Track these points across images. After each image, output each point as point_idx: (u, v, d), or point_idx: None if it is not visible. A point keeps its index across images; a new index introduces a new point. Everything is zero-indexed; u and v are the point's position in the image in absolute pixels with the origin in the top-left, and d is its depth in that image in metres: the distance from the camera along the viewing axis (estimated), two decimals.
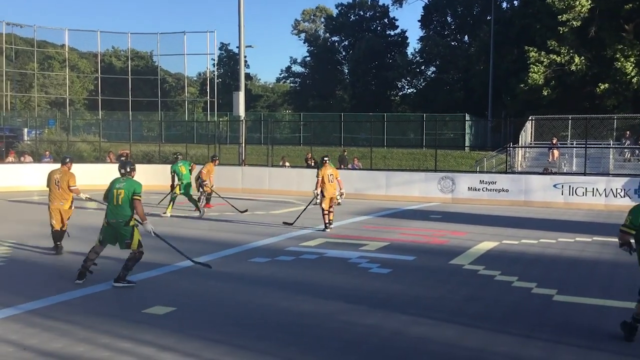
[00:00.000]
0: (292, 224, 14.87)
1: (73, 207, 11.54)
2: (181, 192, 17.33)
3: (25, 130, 35.32)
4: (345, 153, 27.57)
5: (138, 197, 8.56)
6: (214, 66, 48.73)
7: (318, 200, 14.52)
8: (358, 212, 17.83)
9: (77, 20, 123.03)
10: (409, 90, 63.81)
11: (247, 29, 32.70)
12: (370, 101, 55.73)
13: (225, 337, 6.38)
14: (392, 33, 64.06)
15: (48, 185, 11.35)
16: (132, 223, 8.61)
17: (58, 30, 43.93)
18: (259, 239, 12.79)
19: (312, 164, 22.66)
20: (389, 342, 6.36)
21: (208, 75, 47.66)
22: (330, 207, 14.22)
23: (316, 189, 14.29)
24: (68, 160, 11.75)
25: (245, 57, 29.28)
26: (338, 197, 15.16)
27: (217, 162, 19.35)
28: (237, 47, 33.82)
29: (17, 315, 7.06)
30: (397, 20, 64.26)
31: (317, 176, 14.31)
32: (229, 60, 65.96)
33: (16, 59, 48.87)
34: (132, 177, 8.91)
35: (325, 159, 14.58)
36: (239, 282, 9.01)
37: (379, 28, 64.49)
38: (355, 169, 24.86)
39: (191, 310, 7.45)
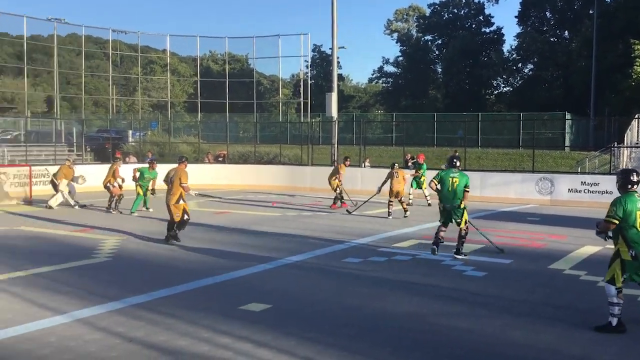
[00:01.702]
0: (351, 212, 17.28)
1: (182, 202, 12.25)
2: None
3: (130, 132, 37.20)
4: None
5: (468, 190, 10.75)
6: (307, 68, 49.35)
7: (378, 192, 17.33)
8: None
9: (177, 26, 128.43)
10: (504, 89, 62.01)
11: (340, 30, 33.19)
12: (464, 100, 54.59)
13: (320, 336, 6.46)
14: (487, 30, 62.45)
15: (165, 181, 12.43)
16: (462, 206, 10.67)
17: (160, 36, 45.96)
18: (352, 239, 12.84)
19: (411, 165, 22.54)
20: (484, 346, 6.22)
21: (301, 77, 48.35)
22: (397, 199, 16.68)
23: (380, 185, 17.15)
24: (184, 159, 12.78)
25: (337, 58, 29.46)
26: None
27: (349, 163, 19.69)
28: (330, 48, 34.11)
29: (123, 309, 7.46)
30: (492, 17, 62.43)
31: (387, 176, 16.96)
32: (321, 62, 66.62)
33: (121, 64, 51.61)
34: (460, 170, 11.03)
35: (396, 164, 17.17)
36: (332, 281, 9.10)
37: (473, 25, 63.05)
38: None
39: (286, 308, 7.61)
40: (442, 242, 10.85)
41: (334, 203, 18.79)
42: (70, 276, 9.27)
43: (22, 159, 25.88)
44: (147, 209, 17.50)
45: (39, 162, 25.99)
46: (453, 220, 10.78)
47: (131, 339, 6.32)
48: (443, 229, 10.86)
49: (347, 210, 17.64)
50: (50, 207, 17.89)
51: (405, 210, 16.70)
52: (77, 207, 18.28)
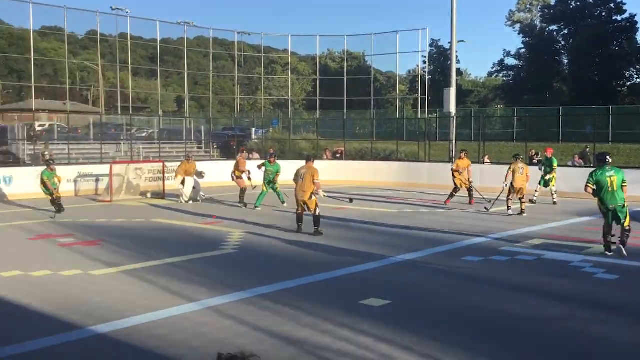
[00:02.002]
0: (488, 209, 16.86)
1: (314, 198, 12.91)
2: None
3: (253, 129, 38.55)
4: (588, 149, 26.69)
5: (626, 184, 10.39)
6: (425, 63, 48.63)
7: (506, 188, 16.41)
8: (578, 213, 16.63)
9: (296, 26, 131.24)
10: (638, 80, 57.76)
11: (459, 24, 32.31)
12: (592, 93, 51.44)
13: (440, 334, 6.39)
14: (618, 18, 58.42)
15: (295, 179, 13.07)
16: (627, 205, 10.29)
17: (282, 36, 47.19)
18: (471, 237, 12.55)
19: (537, 161, 21.69)
20: (618, 356, 5.86)
21: (418, 72, 47.79)
22: (519, 196, 16.16)
23: (505, 181, 16.30)
24: (312, 158, 13.66)
25: (456, 52, 28.83)
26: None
27: (463, 155, 18.95)
28: (448, 42, 33.42)
29: (250, 299, 7.77)
30: (624, 4, 58.26)
31: (508, 170, 16.34)
32: (439, 57, 65.42)
33: (245, 65, 53.58)
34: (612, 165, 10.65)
35: (521, 156, 16.81)
36: (452, 279, 8.95)
37: (603, 14, 59.21)
38: (576, 166, 23.18)
39: (405, 304, 7.59)
40: (614, 243, 10.52)
41: (449, 198, 18.46)
42: (200, 266, 9.79)
43: (156, 155, 27.59)
44: (282, 202, 17.70)
45: (170, 158, 27.59)
46: (617, 221, 10.37)
47: (258, 328, 6.57)
48: (610, 230, 10.54)
49: (485, 208, 17.24)
50: (187, 202, 18.88)
51: (523, 211, 16.03)
52: (200, 200, 19.20)
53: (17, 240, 12.28)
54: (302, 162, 13.61)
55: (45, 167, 16.76)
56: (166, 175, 21.69)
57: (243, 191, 18.22)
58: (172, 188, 21.44)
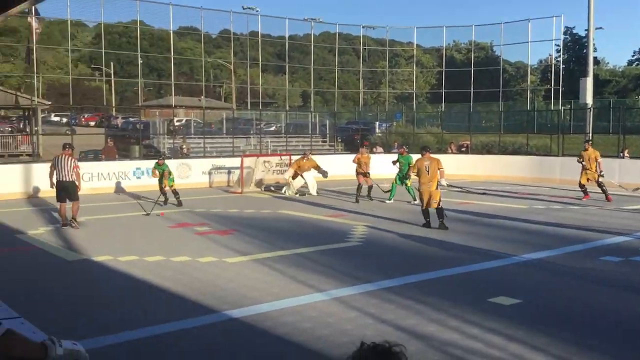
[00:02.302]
0: None
1: (439, 188, 13.00)
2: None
3: (377, 123, 38.58)
4: None
5: None
6: (558, 52, 46.12)
7: None
8: None
9: (419, 18, 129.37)
10: None
11: (596, 10, 30.04)
12: None
13: (574, 336, 6.08)
14: None
15: (418, 173, 13.03)
16: None
17: (406, 29, 46.74)
18: (610, 236, 11.79)
19: None
20: None
21: (551, 62, 45.42)
22: None
23: None
24: (429, 149, 13.61)
25: (593, 40, 27.09)
26: None
27: (587, 145, 17.97)
28: (585, 30, 31.48)
29: (374, 291, 7.81)
30: None
31: None
32: (573, 45, 61.84)
33: (368, 59, 53.68)
34: None
35: None
36: (587, 280, 8.47)
37: None
38: None
39: (537, 304, 7.29)
40: None
41: (587, 194, 17.43)
42: (326, 257, 9.98)
43: (283, 148, 28.42)
44: (413, 199, 17.23)
45: (297, 151, 28.29)
46: None
47: (383, 320, 6.60)
48: None
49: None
50: (294, 194, 19.27)
51: None
52: (306, 195, 19.38)
53: (159, 227, 13.17)
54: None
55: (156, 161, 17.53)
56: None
57: (359, 187, 18.19)
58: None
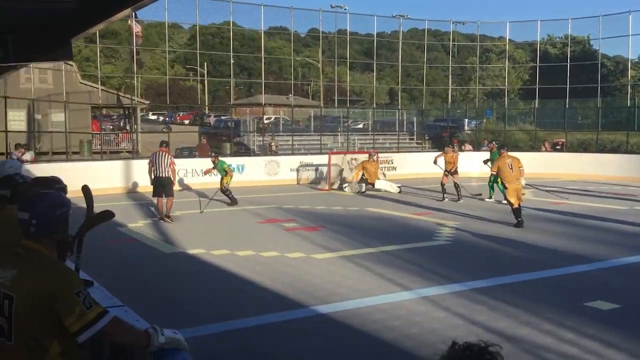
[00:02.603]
0: None
1: (523, 185, 12.92)
2: None
3: (466, 120, 37.75)
4: None
5: None
6: None
7: None
8: None
9: (511, 12, 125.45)
10: None
11: None
12: None
13: None
14: None
15: (498, 171, 13.03)
16: None
17: (498, 23, 45.39)
18: None
19: None
20: None
21: None
22: None
23: None
24: (506, 147, 13.59)
25: None
26: None
27: None
28: None
29: (464, 292, 7.67)
30: None
31: None
32: None
33: (457, 54, 52.60)
34: None
35: None
36: None
37: None
38: None
39: (637, 309, 6.91)
40: None
41: None
42: (413, 256, 9.89)
43: (370, 146, 28.37)
44: (489, 196, 17.07)
45: (383, 149, 28.19)
46: None
47: (473, 322, 6.47)
48: None
49: None
50: (358, 192, 19.17)
51: None
52: (359, 193, 19.09)
53: (249, 223, 13.50)
54: (514, 153, 13.37)
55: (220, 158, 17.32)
56: (379, 165, 22.19)
57: (443, 186, 17.79)
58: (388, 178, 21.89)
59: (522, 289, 7.85)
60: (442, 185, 17.58)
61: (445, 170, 17.72)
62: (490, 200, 17.07)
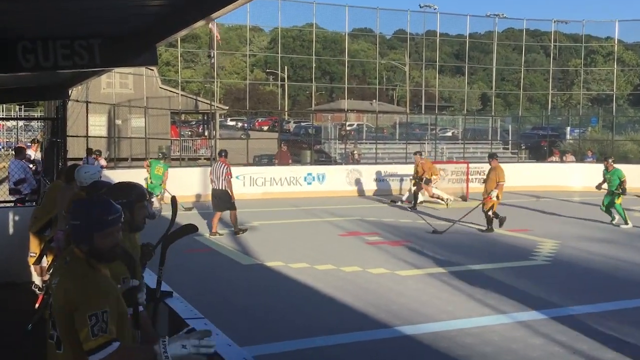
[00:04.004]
0: None
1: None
2: None
3: (567, 129, 36.48)
4: None
5: None
6: None
7: None
8: None
9: (620, 10, 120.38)
10: None
11: None
12: None
13: None
14: None
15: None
16: None
17: (606, 23, 43.73)
18: None
19: None
20: None
21: None
22: None
23: None
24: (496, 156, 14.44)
25: None
26: None
27: None
28: None
29: (564, 317, 7.41)
30: None
31: None
32: None
33: (559, 57, 50.96)
34: None
35: None
36: None
37: None
38: None
39: None
40: None
41: None
42: (506, 276, 9.64)
43: (460, 156, 27.94)
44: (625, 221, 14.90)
45: (475, 159, 27.66)
46: None
47: (574, 351, 6.24)
48: None
49: None
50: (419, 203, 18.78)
51: None
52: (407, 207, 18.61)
53: (329, 235, 13.58)
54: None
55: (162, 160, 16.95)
56: (470, 177, 21.80)
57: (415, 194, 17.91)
58: (478, 190, 21.46)
59: (632, 315, 7.49)
60: (415, 194, 18.28)
61: (418, 178, 18.39)
62: (621, 224, 14.86)
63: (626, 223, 14.66)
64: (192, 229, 3.96)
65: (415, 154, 19.66)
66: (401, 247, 12.12)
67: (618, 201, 14.85)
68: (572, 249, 11.98)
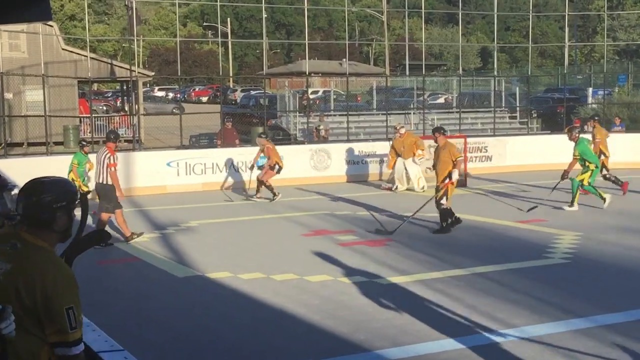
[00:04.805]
0: None
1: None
2: None
3: (590, 90, 37.00)
4: None
5: None
6: None
7: None
8: None
9: None
10: None
11: None
12: None
13: None
14: None
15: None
16: None
17: None
18: None
19: None
20: None
21: None
22: None
23: None
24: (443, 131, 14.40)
25: None
26: None
27: None
28: None
29: (590, 329, 7.54)
30: None
31: None
32: None
33: None
34: None
35: None
36: None
37: None
38: None
39: None
40: None
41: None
42: (517, 279, 9.77)
43: (455, 128, 28.11)
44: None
45: (474, 132, 27.88)
46: None
47: None
48: None
49: None
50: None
51: None
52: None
53: (290, 236, 13.56)
54: None
55: (79, 149, 16.94)
56: (469, 155, 21.97)
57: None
58: (481, 172, 21.64)
59: None
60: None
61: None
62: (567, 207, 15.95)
63: (571, 205, 15.70)
64: (104, 237, 3.93)
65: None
66: (383, 247, 12.17)
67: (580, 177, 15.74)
68: (599, 242, 12.17)
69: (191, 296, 9.56)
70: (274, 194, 17.94)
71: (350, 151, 22.74)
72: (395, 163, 20.02)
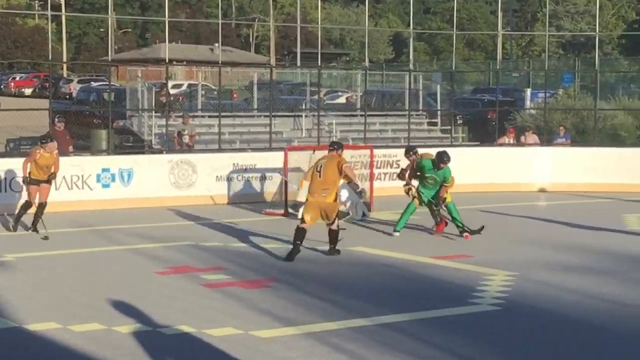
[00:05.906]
0: None
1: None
2: None
3: (527, 91, 38.03)
4: None
5: None
6: None
7: None
8: None
9: None
10: None
11: None
12: None
13: None
14: None
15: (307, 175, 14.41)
16: None
17: None
18: None
19: None
20: None
21: None
22: None
23: None
24: (340, 146, 15.39)
25: None
26: None
27: None
28: None
29: None
30: None
31: None
32: None
33: None
34: None
35: None
36: None
37: None
38: None
39: None
40: None
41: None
42: (435, 331, 9.89)
43: (359, 136, 28.36)
44: (461, 230, 16.98)
45: (382, 141, 28.16)
46: None
47: None
48: None
49: None
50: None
51: None
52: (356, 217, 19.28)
53: (140, 274, 13.35)
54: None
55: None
56: (376, 170, 22.21)
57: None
58: (389, 193, 21.87)
59: None
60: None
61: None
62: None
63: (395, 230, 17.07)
64: None
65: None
66: (262, 289, 12.16)
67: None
68: (536, 284, 12.46)
69: (6, 357, 9.25)
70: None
71: (222, 164, 22.63)
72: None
